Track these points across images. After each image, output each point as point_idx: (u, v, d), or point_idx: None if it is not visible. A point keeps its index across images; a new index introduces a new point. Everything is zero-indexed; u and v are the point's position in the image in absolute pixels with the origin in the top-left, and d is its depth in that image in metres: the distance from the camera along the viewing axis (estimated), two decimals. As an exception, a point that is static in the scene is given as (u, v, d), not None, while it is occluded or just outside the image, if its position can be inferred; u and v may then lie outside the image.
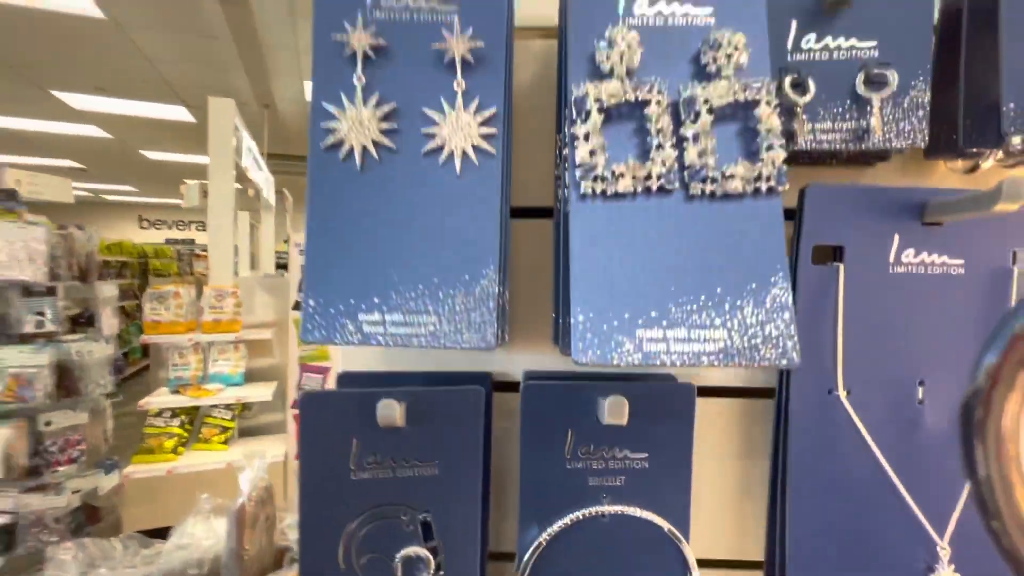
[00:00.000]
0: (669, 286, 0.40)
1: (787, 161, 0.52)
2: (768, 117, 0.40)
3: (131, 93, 5.04)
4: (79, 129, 6.22)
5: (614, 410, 0.45)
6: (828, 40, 0.49)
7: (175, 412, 3.28)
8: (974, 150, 0.50)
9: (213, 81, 4.56)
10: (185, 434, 3.25)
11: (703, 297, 0.39)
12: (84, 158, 7.76)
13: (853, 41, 0.49)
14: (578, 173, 0.41)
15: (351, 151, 0.44)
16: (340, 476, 0.47)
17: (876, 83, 0.49)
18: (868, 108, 0.48)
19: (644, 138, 0.41)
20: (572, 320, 0.39)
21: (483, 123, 0.44)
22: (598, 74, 0.42)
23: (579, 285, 0.40)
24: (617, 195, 0.41)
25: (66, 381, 3.22)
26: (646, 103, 0.41)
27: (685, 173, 0.41)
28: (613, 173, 0.40)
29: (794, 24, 0.50)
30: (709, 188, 0.40)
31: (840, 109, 0.49)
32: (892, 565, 0.52)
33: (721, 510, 0.59)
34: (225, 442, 3.23)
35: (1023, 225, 0.52)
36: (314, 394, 0.47)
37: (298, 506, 0.47)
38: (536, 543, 0.48)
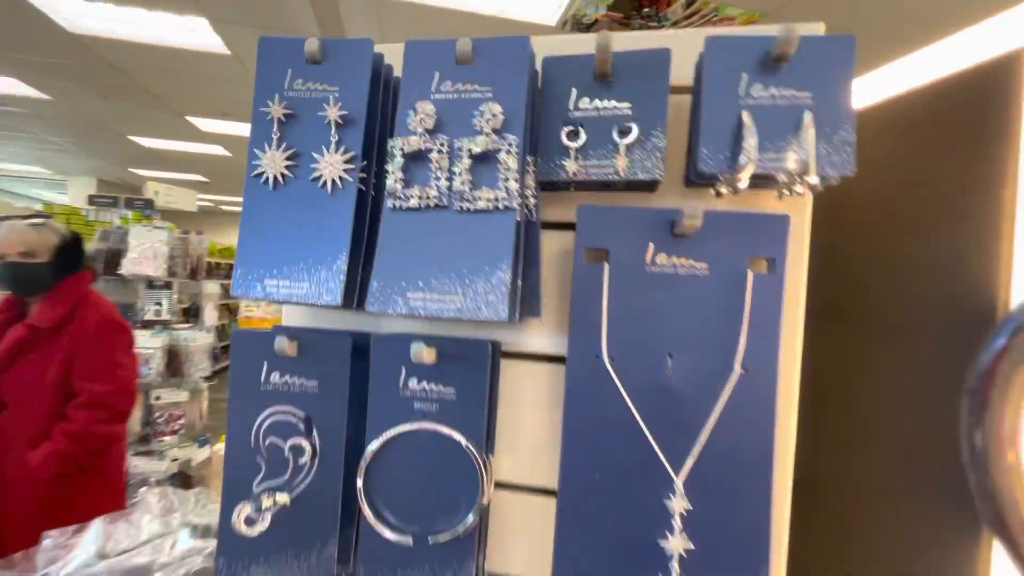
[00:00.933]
0: (433, 267, 0.62)
1: (580, 188, 0.72)
2: (506, 159, 0.62)
3: (249, 117, 5.88)
4: (206, 148, 7.28)
5: (416, 353, 0.67)
6: (597, 102, 0.69)
7: (256, 396, 3.75)
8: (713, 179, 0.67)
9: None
10: (263, 417, 3.70)
11: (453, 274, 0.61)
12: (208, 173, 9.00)
13: (614, 103, 0.69)
14: (386, 195, 0.64)
15: (267, 178, 0.71)
16: (254, 386, 0.73)
17: (624, 133, 0.68)
18: (619, 151, 0.67)
19: (429, 173, 0.64)
20: (370, 286, 0.62)
21: (346, 162, 0.69)
22: (409, 131, 0.66)
23: (380, 265, 0.63)
24: (410, 209, 0.64)
25: (173, 363, 3.82)
26: (431, 150, 0.64)
27: (453, 196, 0.63)
28: (406, 195, 0.63)
29: (574, 90, 0.70)
30: (466, 206, 0.62)
31: (604, 152, 0.69)
32: (640, 495, 0.68)
33: (533, 448, 0.78)
34: (294, 424, 3.65)
35: (756, 237, 0.68)
36: (241, 331, 0.74)
37: (228, 405, 0.73)
38: (372, 445, 0.71)
